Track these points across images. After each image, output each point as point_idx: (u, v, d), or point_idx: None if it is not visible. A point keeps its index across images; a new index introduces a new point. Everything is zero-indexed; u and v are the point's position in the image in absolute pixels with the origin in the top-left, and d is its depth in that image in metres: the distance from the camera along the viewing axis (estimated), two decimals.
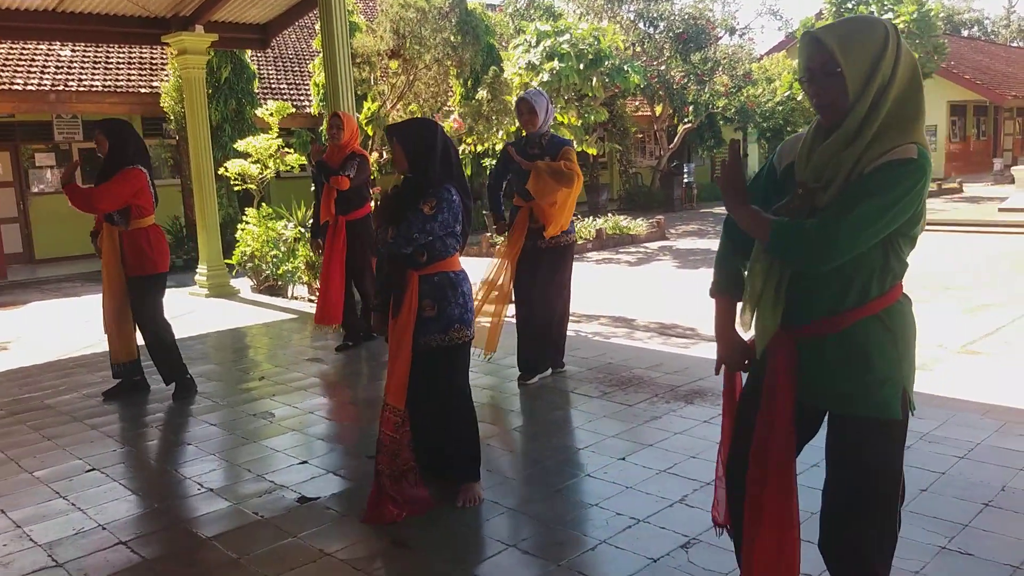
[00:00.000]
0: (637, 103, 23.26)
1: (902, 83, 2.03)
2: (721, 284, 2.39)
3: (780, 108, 25.57)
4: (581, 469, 3.87)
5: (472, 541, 3.24)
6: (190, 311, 9.12)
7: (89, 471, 4.22)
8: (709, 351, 2.68)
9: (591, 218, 16.11)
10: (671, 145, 22.32)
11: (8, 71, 13.73)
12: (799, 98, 25.63)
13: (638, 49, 21.62)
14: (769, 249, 2.09)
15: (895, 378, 2.13)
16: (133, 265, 5.24)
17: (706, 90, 21.74)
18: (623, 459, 3.96)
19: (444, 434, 3.64)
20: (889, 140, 2.01)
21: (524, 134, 5.32)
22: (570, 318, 5.64)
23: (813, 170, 2.08)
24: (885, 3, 21.33)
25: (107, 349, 5.57)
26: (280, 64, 17.87)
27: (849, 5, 22.01)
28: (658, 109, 22.47)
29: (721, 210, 21.85)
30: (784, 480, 2.25)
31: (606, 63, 14.65)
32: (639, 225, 15.53)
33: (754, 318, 2.23)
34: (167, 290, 5.52)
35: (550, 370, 5.53)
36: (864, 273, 2.10)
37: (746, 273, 2.27)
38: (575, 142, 15.03)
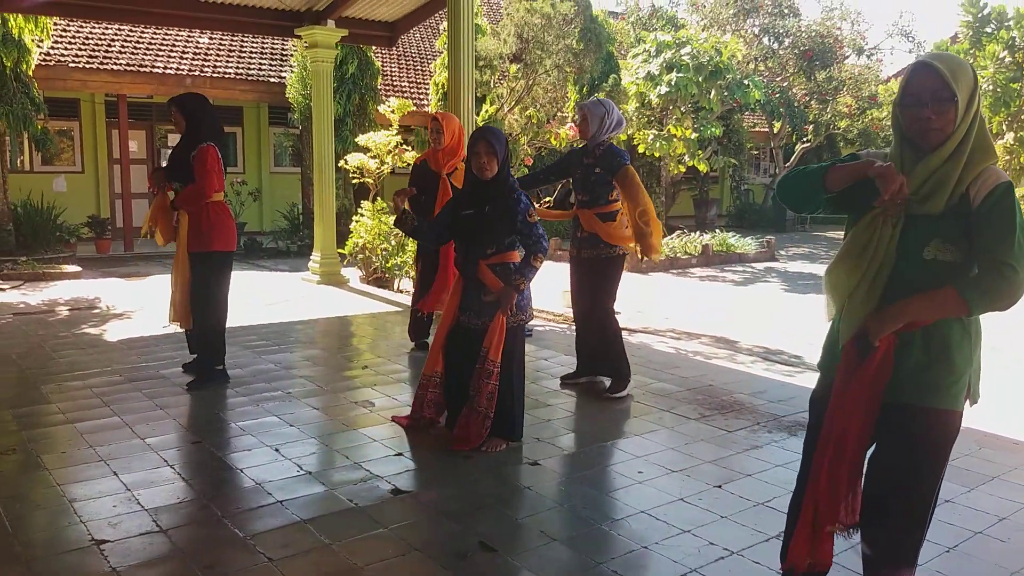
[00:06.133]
0: (755, 119, 22.76)
1: (981, 114, 2.31)
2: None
3: None
4: (674, 493, 3.79)
5: (560, 552, 3.22)
6: (302, 296, 9.43)
7: (196, 443, 4.41)
8: (815, 381, 2.61)
9: (697, 233, 15.84)
10: (787, 163, 21.75)
11: (150, 55, 14.49)
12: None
13: (760, 66, 21.15)
14: (973, 311, 2.27)
15: (967, 373, 2.35)
16: (192, 242, 5.28)
17: (828, 110, 21.10)
18: (719, 487, 3.87)
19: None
20: (979, 159, 2.27)
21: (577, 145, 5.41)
22: (639, 334, 5.54)
23: (911, 184, 2.29)
24: None
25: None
26: (403, 62, 18.25)
27: (988, 29, 20.91)
28: (776, 126, 21.93)
29: (835, 234, 21.21)
30: (857, 468, 2.39)
31: (727, 76, 14.38)
32: (747, 244, 15.19)
33: (842, 312, 2.38)
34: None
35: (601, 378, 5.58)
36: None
37: (832, 268, 2.40)
38: (688, 156, 14.88)
